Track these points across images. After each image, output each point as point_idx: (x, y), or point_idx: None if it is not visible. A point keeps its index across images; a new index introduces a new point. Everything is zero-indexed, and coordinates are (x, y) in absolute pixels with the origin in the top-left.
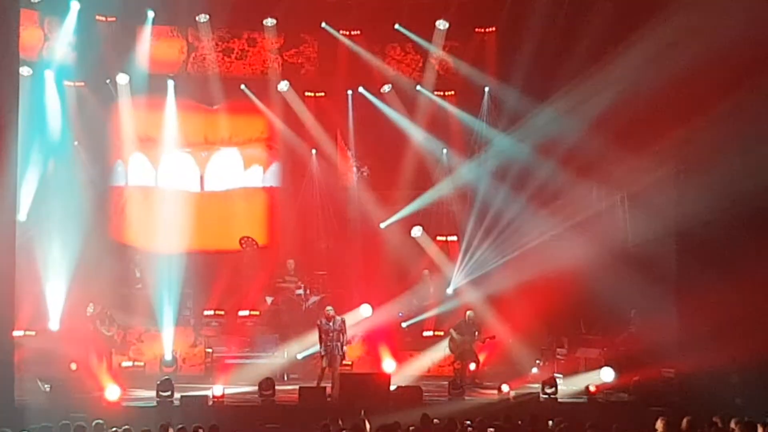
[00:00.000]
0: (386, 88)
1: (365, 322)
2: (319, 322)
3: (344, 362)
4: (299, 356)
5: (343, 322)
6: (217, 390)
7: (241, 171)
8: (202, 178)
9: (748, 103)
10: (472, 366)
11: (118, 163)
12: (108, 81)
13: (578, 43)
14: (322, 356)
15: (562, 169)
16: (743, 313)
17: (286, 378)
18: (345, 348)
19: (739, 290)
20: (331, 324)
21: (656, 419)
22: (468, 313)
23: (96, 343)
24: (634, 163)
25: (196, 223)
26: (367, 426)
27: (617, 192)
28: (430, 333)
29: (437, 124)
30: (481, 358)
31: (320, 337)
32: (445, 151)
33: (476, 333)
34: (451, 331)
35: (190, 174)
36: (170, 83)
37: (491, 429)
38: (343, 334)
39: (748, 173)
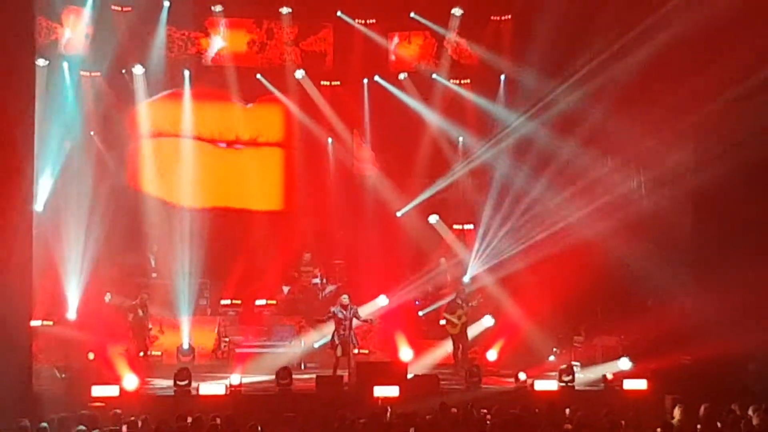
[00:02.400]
0: (402, 76)
1: (382, 310)
2: (333, 311)
3: (361, 351)
4: (316, 345)
5: (356, 310)
6: (234, 379)
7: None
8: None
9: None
10: (493, 356)
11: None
12: (124, 71)
13: (594, 30)
14: (336, 345)
15: (579, 148)
16: (760, 299)
17: (303, 367)
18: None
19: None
20: (345, 312)
21: (674, 407)
22: (460, 289)
23: (128, 332)
24: (651, 135)
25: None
26: (388, 414)
27: (635, 167)
28: None
29: (453, 112)
30: (498, 347)
31: (332, 324)
32: (461, 138)
33: (467, 305)
34: (445, 314)
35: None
36: (186, 73)
37: None
38: (356, 316)
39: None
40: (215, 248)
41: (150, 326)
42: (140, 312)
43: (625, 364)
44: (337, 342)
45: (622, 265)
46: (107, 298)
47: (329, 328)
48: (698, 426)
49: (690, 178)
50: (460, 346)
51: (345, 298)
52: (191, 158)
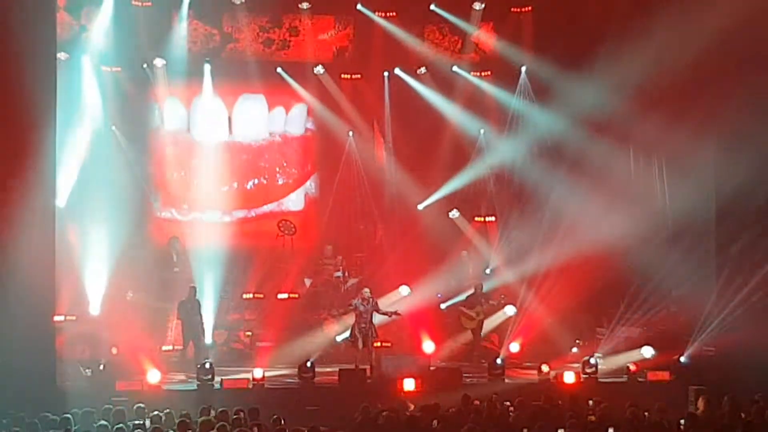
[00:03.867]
0: (422, 69)
1: (404, 303)
2: (354, 303)
3: (384, 344)
4: (339, 338)
5: (376, 303)
6: (257, 373)
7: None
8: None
9: None
10: (516, 348)
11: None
12: (145, 66)
13: (614, 20)
14: (357, 338)
15: (600, 142)
16: None
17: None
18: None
19: None
20: (366, 306)
21: (697, 398)
22: (479, 284)
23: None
24: (673, 132)
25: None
26: (410, 407)
27: (656, 162)
28: None
29: (474, 105)
30: (520, 339)
31: (354, 316)
32: (482, 131)
33: (487, 302)
34: (462, 309)
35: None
36: (207, 67)
37: None
38: (372, 315)
39: None
40: (237, 242)
41: (203, 322)
42: (189, 308)
43: (647, 351)
44: (357, 335)
45: (643, 258)
46: (129, 295)
47: (350, 321)
48: (722, 417)
49: (712, 173)
50: (475, 339)
51: (366, 292)
52: (210, 155)
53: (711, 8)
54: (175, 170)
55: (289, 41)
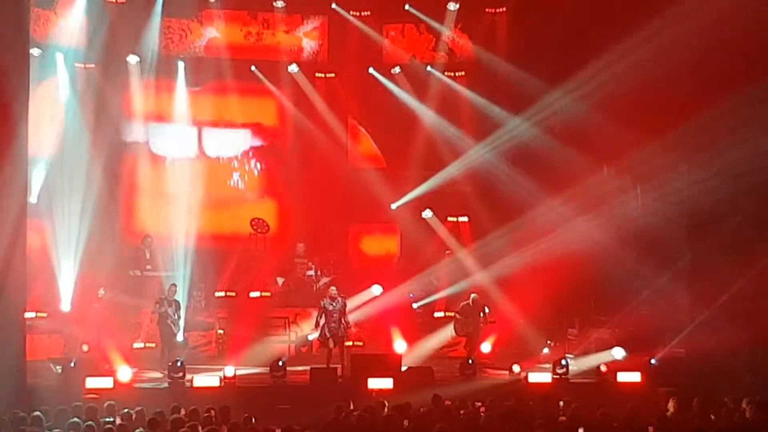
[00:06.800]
0: (396, 69)
1: (376, 302)
2: (323, 303)
3: (355, 343)
4: (310, 337)
5: (345, 303)
6: (228, 371)
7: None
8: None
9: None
10: (487, 348)
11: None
12: (118, 63)
13: (589, 22)
14: (327, 338)
15: (572, 150)
16: (753, 291)
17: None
18: (351, 327)
19: (749, 267)
20: (334, 304)
21: (668, 399)
22: (472, 295)
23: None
24: (646, 144)
25: (207, 211)
26: (385, 408)
27: (628, 173)
28: (441, 314)
29: (448, 105)
30: (491, 339)
31: (320, 317)
32: (455, 131)
33: (481, 314)
34: (455, 314)
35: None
36: (180, 65)
37: None
38: (344, 315)
39: (760, 154)
40: (209, 240)
41: (177, 324)
42: (165, 305)
43: (618, 353)
44: (328, 335)
45: (615, 260)
46: (101, 292)
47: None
48: (692, 419)
49: (682, 186)
50: (472, 344)
51: (333, 290)
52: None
53: (686, 19)
54: (148, 165)
55: (263, 40)
